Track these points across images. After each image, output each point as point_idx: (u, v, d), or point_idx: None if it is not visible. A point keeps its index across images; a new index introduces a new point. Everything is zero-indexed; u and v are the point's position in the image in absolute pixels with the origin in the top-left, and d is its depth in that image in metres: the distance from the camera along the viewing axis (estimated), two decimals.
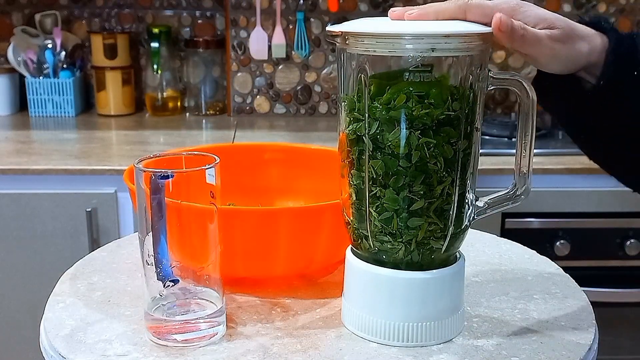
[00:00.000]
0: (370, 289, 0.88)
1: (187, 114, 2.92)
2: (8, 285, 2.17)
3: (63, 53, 2.78)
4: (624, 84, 0.89)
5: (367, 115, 0.82)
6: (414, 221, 0.83)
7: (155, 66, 2.84)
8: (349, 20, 0.84)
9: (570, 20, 0.88)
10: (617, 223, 2.27)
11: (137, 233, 0.89)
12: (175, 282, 0.87)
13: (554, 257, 1.45)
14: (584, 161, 2.13)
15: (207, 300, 0.89)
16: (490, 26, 0.82)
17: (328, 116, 2.90)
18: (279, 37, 2.81)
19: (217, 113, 2.91)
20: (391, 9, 0.86)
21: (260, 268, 1.01)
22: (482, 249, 1.18)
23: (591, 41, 0.88)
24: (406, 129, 0.81)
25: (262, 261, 0.99)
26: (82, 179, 2.14)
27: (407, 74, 0.80)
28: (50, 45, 2.77)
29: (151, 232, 0.84)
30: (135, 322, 0.92)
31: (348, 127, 0.85)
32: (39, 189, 2.14)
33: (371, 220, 0.85)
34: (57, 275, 1.05)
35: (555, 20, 0.86)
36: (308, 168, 1.22)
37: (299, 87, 2.90)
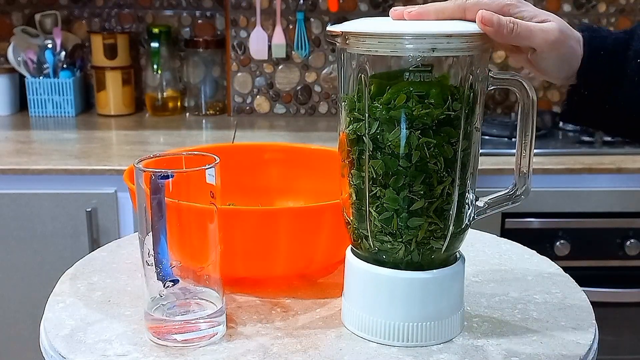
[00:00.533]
0: (370, 289, 0.88)
1: (187, 114, 2.91)
2: (8, 285, 2.16)
3: (63, 53, 2.76)
4: (610, 87, 0.90)
5: (367, 115, 0.82)
6: (414, 221, 0.83)
7: (155, 66, 2.82)
8: (349, 20, 0.84)
9: (564, 21, 0.89)
10: (617, 223, 2.26)
11: (137, 233, 0.89)
12: (175, 282, 0.87)
13: (554, 257, 1.45)
14: (584, 161, 2.27)
15: (207, 300, 0.88)
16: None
17: (328, 116, 2.88)
18: (279, 37, 2.79)
19: (217, 113, 2.90)
20: (392, 8, 0.86)
21: (260, 268, 1.00)
22: (482, 249, 1.18)
23: (579, 45, 0.90)
24: (406, 128, 0.80)
25: (262, 261, 0.99)
26: (82, 179, 2.13)
27: (408, 73, 0.80)
28: (50, 45, 2.75)
29: (151, 232, 0.83)
30: (135, 322, 0.91)
31: (348, 127, 0.85)
32: (39, 189, 2.13)
33: (371, 220, 0.85)
34: (57, 275, 1.04)
35: (549, 17, 0.87)
36: (308, 168, 1.22)
37: (299, 87, 2.88)
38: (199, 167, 0.83)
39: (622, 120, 0.93)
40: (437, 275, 0.86)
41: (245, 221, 0.95)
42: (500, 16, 0.82)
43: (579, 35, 0.90)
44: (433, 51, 0.79)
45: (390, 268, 0.86)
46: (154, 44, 2.79)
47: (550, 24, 0.86)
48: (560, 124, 2.61)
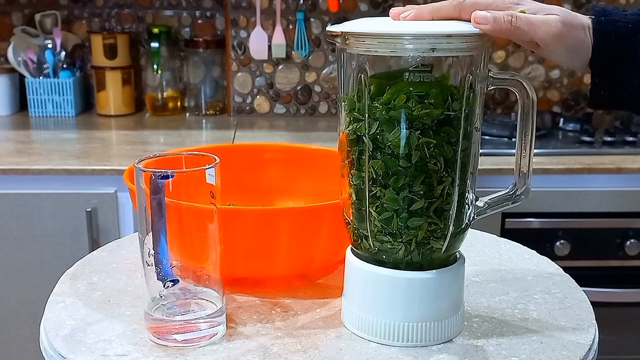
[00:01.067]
0: (370, 289, 0.87)
1: (187, 114, 2.88)
2: (8, 285, 2.15)
3: (63, 53, 2.73)
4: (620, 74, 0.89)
5: (367, 115, 0.82)
6: (414, 221, 0.83)
7: (155, 66, 2.80)
8: (349, 20, 0.84)
9: (574, 12, 0.87)
10: (617, 223, 2.23)
11: (137, 233, 0.88)
12: (175, 282, 0.86)
13: (554, 257, 1.44)
14: (583, 161, 2.22)
15: (207, 300, 0.88)
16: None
17: (328, 116, 2.86)
18: (279, 37, 2.77)
19: (217, 113, 2.87)
20: (392, 8, 0.86)
21: (260, 268, 1.00)
22: (482, 249, 1.17)
23: (588, 33, 0.88)
24: (406, 129, 0.80)
25: (262, 261, 0.98)
26: (82, 179, 2.11)
27: (407, 74, 0.80)
28: (50, 45, 2.73)
29: (151, 232, 0.83)
30: (135, 322, 0.91)
31: (348, 127, 0.85)
32: (39, 189, 2.11)
33: (371, 220, 0.84)
34: (57, 275, 1.04)
35: (552, 10, 0.86)
36: (308, 168, 1.22)
37: (299, 87, 2.87)
38: (199, 167, 0.82)
39: None
40: (437, 276, 0.86)
41: (245, 221, 0.94)
42: (496, 12, 0.81)
43: (587, 23, 0.88)
44: (433, 51, 0.79)
45: (390, 268, 0.86)
46: (154, 44, 2.77)
47: (552, 16, 0.85)
48: (560, 123, 2.58)
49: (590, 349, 0.86)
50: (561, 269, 1.10)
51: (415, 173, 0.81)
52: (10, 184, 2.09)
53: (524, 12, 0.84)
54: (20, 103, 2.80)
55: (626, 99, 0.90)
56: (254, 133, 2.61)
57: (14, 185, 2.09)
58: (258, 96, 2.88)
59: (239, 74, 2.84)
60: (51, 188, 2.11)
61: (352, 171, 0.86)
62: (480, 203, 0.90)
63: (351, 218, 0.88)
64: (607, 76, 0.89)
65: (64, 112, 2.76)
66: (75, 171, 2.08)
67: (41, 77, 2.73)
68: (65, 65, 2.74)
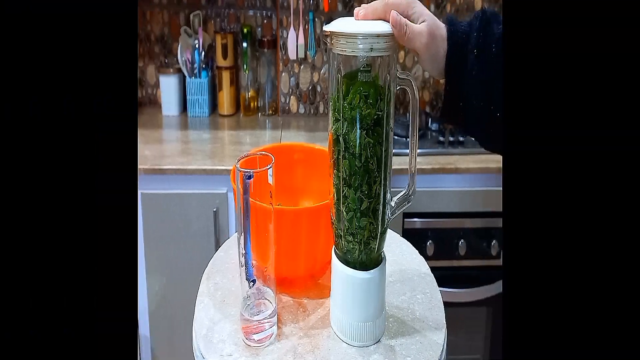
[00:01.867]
0: (340, 289, 0.58)
1: (260, 114, 1.87)
2: (170, 282, 1.40)
3: (203, 53, 1.77)
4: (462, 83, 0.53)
5: (341, 115, 0.51)
6: (363, 221, 0.53)
7: (244, 66, 1.80)
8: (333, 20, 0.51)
9: (439, 21, 0.52)
10: (454, 223, 1.40)
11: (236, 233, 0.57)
12: (254, 282, 0.58)
13: (427, 257, 0.93)
14: (439, 161, 1.39)
15: (268, 301, 0.59)
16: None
17: (326, 116, 1.80)
18: (300, 37, 1.75)
19: (273, 113, 1.89)
20: (356, 8, 0.52)
21: (302, 267, 0.67)
22: (391, 249, 0.78)
23: (445, 42, 0.52)
24: (360, 128, 0.51)
25: (303, 260, 0.65)
26: (211, 179, 1.37)
27: (359, 74, 0.50)
28: (197, 45, 1.76)
29: (242, 233, 0.53)
30: (236, 322, 0.63)
31: (332, 127, 0.53)
32: (182, 189, 1.37)
33: (342, 220, 0.54)
34: (199, 273, 0.70)
35: (427, 17, 0.51)
36: (323, 168, 0.75)
37: (310, 87, 1.87)
38: (264, 167, 0.52)
39: (470, 116, 0.52)
40: (374, 275, 0.57)
41: (299, 220, 0.60)
42: (403, 19, 0.49)
43: (444, 32, 0.52)
44: (371, 50, 0.49)
45: (352, 268, 0.56)
46: (244, 44, 1.79)
47: (422, 27, 0.51)
48: (429, 123, 1.65)
49: (443, 349, 0.60)
50: (430, 269, 0.74)
51: (363, 173, 0.52)
52: (169, 183, 1.37)
53: (414, 20, 0.51)
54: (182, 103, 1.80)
55: (461, 109, 0.53)
56: (290, 133, 1.71)
57: (172, 185, 1.38)
58: (291, 96, 1.89)
59: (283, 74, 1.82)
60: (189, 188, 1.36)
61: (333, 171, 0.53)
62: (392, 203, 0.57)
63: (333, 218, 0.55)
64: (457, 84, 0.52)
65: (202, 113, 1.81)
66: (210, 171, 1.37)
67: (193, 77, 1.79)
68: (203, 66, 1.78)
